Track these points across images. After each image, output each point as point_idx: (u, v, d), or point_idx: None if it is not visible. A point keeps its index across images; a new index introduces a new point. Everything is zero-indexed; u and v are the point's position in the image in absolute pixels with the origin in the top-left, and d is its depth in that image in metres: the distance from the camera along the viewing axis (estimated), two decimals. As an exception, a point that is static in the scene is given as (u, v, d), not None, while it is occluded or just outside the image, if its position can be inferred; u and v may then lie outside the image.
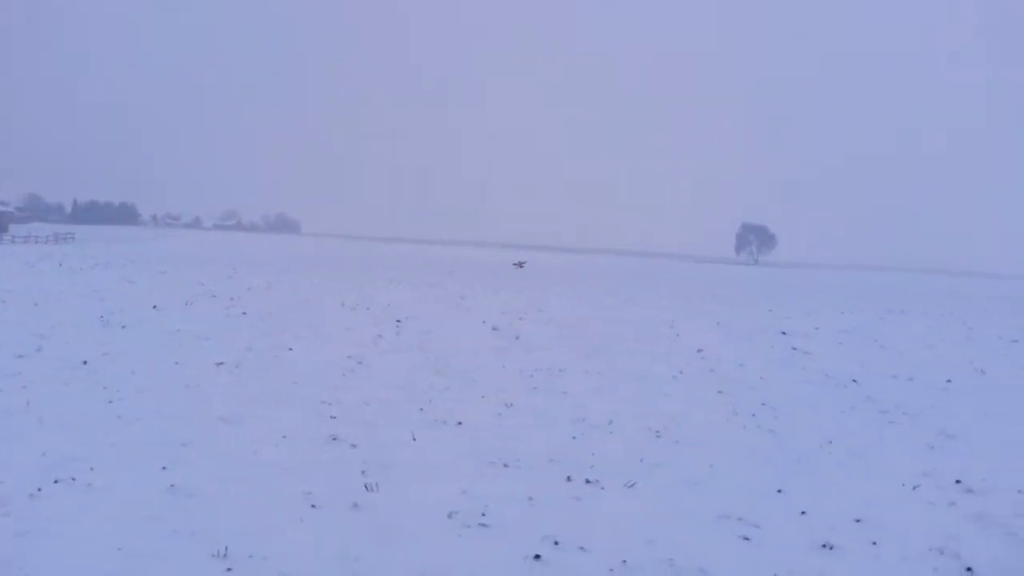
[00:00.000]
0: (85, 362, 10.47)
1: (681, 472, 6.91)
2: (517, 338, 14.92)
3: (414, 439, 7.56)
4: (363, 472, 6.46)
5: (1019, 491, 6.75)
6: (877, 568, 5.08)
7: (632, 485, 6.45)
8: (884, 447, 8.16)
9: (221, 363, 10.84)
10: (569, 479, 6.55)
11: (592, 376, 11.40)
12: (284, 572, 4.63)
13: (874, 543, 5.44)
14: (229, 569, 4.62)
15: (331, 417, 8.25)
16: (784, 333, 17.93)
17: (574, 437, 7.96)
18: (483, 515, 5.61)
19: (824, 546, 5.34)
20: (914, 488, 6.73)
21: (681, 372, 12.06)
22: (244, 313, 16.47)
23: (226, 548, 4.83)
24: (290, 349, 12.32)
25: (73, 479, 5.93)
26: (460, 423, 8.27)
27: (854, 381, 11.97)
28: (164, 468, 6.29)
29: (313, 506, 5.65)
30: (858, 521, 5.85)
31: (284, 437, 7.38)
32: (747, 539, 5.44)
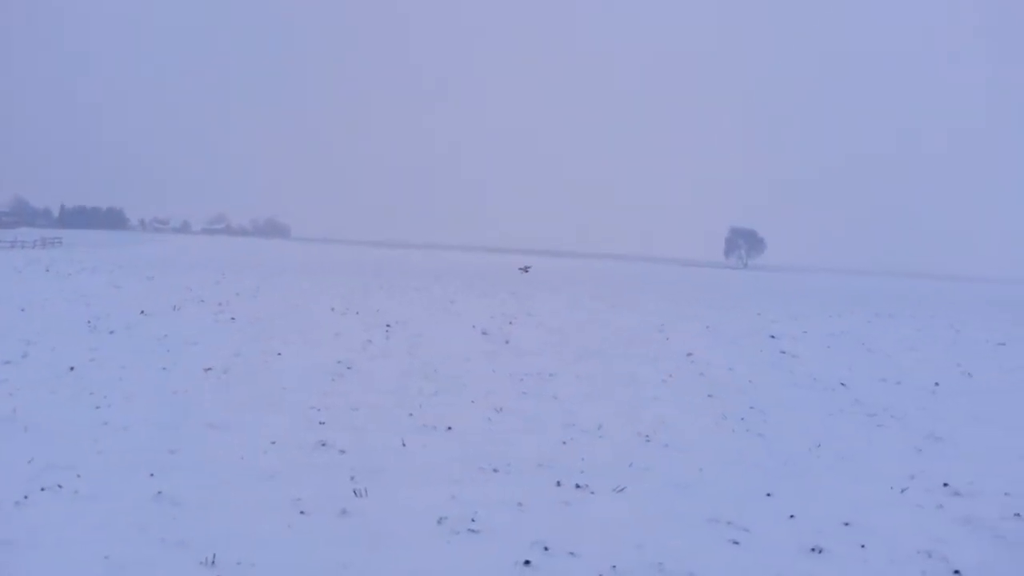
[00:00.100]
0: (72, 368, 10.40)
1: (670, 476, 6.93)
2: (507, 343, 14.92)
3: (404, 444, 7.54)
4: (352, 478, 6.44)
5: (1006, 494, 6.80)
6: (865, 571, 5.10)
7: (621, 489, 6.46)
8: (872, 450, 8.20)
9: (209, 369, 10.79)
10: (559, 484, 6.55)
11: (582, 380, 11.41)
12: (272, 579, 4.61)
13: (862, 546, 5.46)
14: (217, 577, 4.60)
15: (320, 423, 8.23)
16: (773, 337, 18.00)
17: (564, 442, 7.96)
18: (473, 521, 5.60)
19: (813, 549, 5.36)
20: (902, 491, 6.76)
21: (670, 376, 12.09)
22: (233, 318, 16.40)
23: (214, 556, 4.80)
24: (279, 354, 12.27)
25: (60, 486, 5.89)
26: (450, 428, 8.26)
27: (842, 384, 12.02)
28: (152, 475, 6.25)
29: (302, 512, 5.62)
30: (846, 524, 5.87)
31: (273, 443, 7.35)
32: (736, 543, 5.45)
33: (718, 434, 8.63)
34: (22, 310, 16.34)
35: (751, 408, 9.98)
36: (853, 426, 9.32)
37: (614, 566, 4.96)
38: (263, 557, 4.85)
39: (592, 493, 6.37)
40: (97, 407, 8.42)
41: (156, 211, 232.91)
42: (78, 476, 6.14)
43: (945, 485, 6.96)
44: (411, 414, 8.82)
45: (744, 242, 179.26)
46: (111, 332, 13.76)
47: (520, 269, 59.33)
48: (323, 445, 7.38)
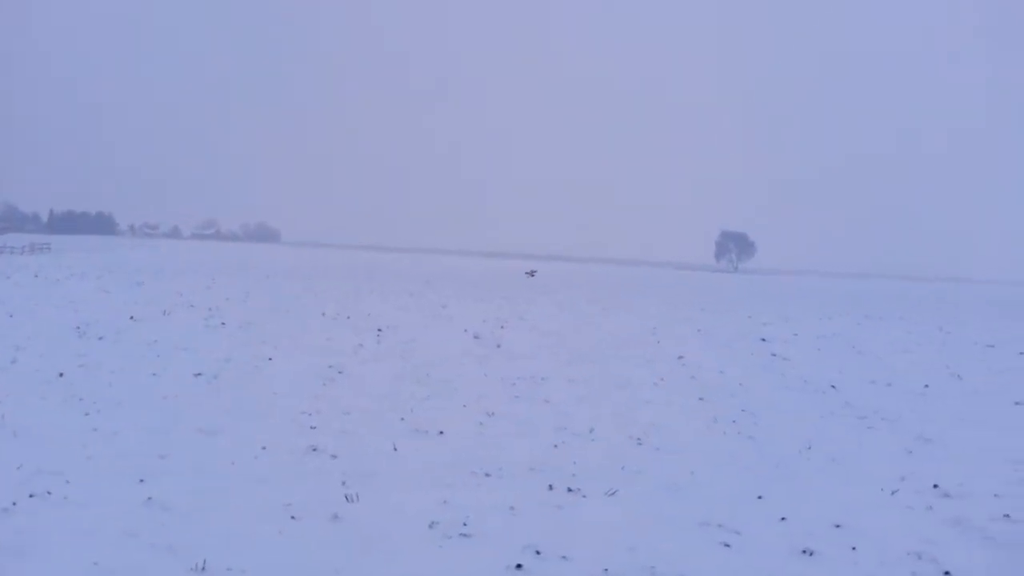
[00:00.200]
0: (61, 374, 10.34)
1: (662, 479, 6.94)
2: (499, 346, 14.91)
3: (395, 449, 7.53)
4: (343, 483, 6.42)
5: (995, 495, 6.83)
6: (856, 573, 5.12)
7: (613, 493, 6.46)
8: (862, 452, 8.23)
9: (199, 374, 10.75)
10: (551, 488, 6.55)
11: (574, 384, 11.42)
12: (263, 585, 4.59)
13: (853, 548, 5.48)
14: (207, 583, 4.58)
15: (311, 428, 8.20)
16: (763, 340, 18.05)
17: (556, 445, 7.96)
18: (465, 525, 5.60)
19: (804, 552, 5.38)
20: (892, 493, 6.79)
21: (662, 379, 12.11)
22: (223, 323, 16.34)
23: (204, 562, 4.78)
24: (269, 359, 12.23)
25: (49, 493, 5.85)
26: (442, 432, 8.25)
27: (832, 387, 12.07)
28: (141, 481, 6.22)
29: (293, 518, 5.61)
30: (837, 526, 5.89)
31: (263, 448, 7.32)
32: (728, 545, 5.46)
33: (710, 437, 8.65)
34: (11, 316, 16.24)
35: (742, 411, 10.00)
36: (844, 428, 9.36)
37: (606, 569, 4.96)
38: (254, 563, 4.83)
39: (584, 496, 6.38)
40: (86, 413, 8.38)
41: (146, 216, 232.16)
42: (67, 482, 6.10)
43: (935, 487, 7.00)
44: (403, 418, 8.81)
45: (734, 246, 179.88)
46: (100, 338, 13.69)
47: (526, 273, 59.37)
48: (314, 450, 7.36)
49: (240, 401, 9.27)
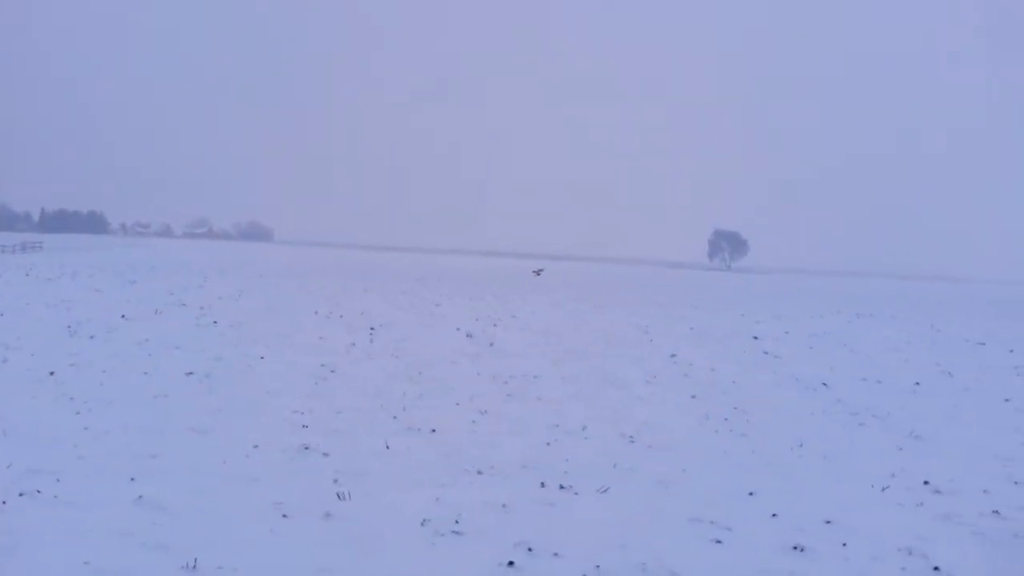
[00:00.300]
0: (52, 373, 10.29)
1: (654, 476, 6.95)
2: (492, 345, 14.92)
3: (387, 447, 7.52)
4: (335, 481, 6.41)
5: (985, 491, 6.87)
6: (847, 569, 5.14)
7: (605, 490, 6.47)
8: (854, 449, 8.26)
9: (191, 373, 10.72)
10: (543, 485, 6.56)
11: (566, 382, 11.43)
12: (255, 583, 4.58)
13: (844, 544, 5.50)
14: (198, 581, 4.57)
15: (303, 426, 8.19)
16: (756, 337, 18.11)
17: (548, 443, 7.97)
18: (457, 523, 5.60)
19: (795, 548, 5.40)
20: (883, 489, 6.82)
21: (655, 377, 12.13)
22: (215, 322, 16.30)
23: (195, 560, 4.77)
24: (261, 358, 12.21)
25: (38, 492, 5.82)
26: (434, 431, 8.25)
27: (824, 384, 12.11)
28: (132, 480, 6.20)
29: (284, 516, 5.60)
30: (828, 523, 5.92)
31: (255, 447, 7.31)
32: (719, 542, 5.48)
33: (702, 434, 8.67)
34: (1, 315, 16.16)
35: (734, 408, 10.03)
36: (835, 425, 9.39)
37: (598, 566, 4.97)
38: (245, 561, 4.82)
39: (576, 494, 6.38)
40: (78, 412, 8.35)
41: (138, 215, 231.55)
42: (58, 481, 6.08)
43: (926, 483, 7.03)
44: (395, 417, 8.81)
45: (727, 244, 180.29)
46: (92, 337, 13.64)
47: (533, 272, 59.39)
48: (306, 448, 7.34)
49: (232, 400, 9.25)
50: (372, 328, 16.60)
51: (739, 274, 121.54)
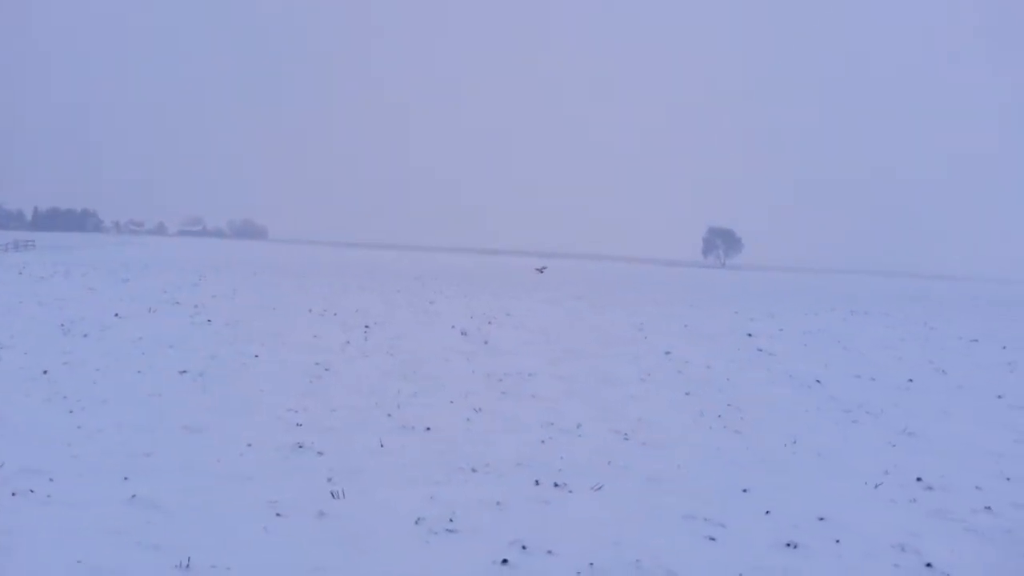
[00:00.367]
0: (45, 372, 10.26)
1: (648, 473, 6.96)
2: (486, 343, 14.91)
3: (382, 445, 7.52)
4: (329, 479, 6.41)
5: (977, 487, 6.90)
6: (840, 565, 5.16)
7: (600, 488, 6.48)
8: (847, 446, 8.29)
9: (185, 371, 10.70)
10: (537, 483, 6.56)
11: (561, 380, 11.43)
12: (248, 582, 4.58)
13: (837, 541, 5.52)
14: (192, 580, 4.56)
15: (297, 425, 8.18)
16: (750, 335, 18.14)
17: (543, 441, 7.97)
18: (451, 521, 5.60)
19: (788, 545, 5.41)
20: (876, 486, 6.85)
21: (649, 374, 12.15)
22: (209, 320, 16.26)
23: (189, 559, 4.76)
24: (256, 356, 12.18)
25: (31, 491, 5.81)
26: (428, 429, 8.25)
27: (818, 381, 12.14)
28: (126, 479, 6.19)
29: (278, 515, 5.59)
30: (821, 519, 5.94)
31: (249, 446, 7.30)
32: (713, 539, 5.49)
33: (696, 431, 8.68)
34: (-6, 314, 16.09)
35: (728, 405, 10.05)
36: (828, 422, 9.42)
37: (591, 564, 4.97)
38: (239, 560, 4.82)
39: (570, 492, 6.39)
40: (71, 411, 8.32)
41: (131, 213, 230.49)
42: (51, 480, 6.06)
43: (918, 480, 7.06)
44: (390, 415, 8.80)
45: (722, 242, 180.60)
46: (85, 335, 13.59)
47: (537, 269, 59.40)
48: (300, 447, 7.34)
49: (226, 398, 9.24)
50: (367, 326, 16.58)
51: (733, 271, 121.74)
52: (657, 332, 17.94)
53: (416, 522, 5.55)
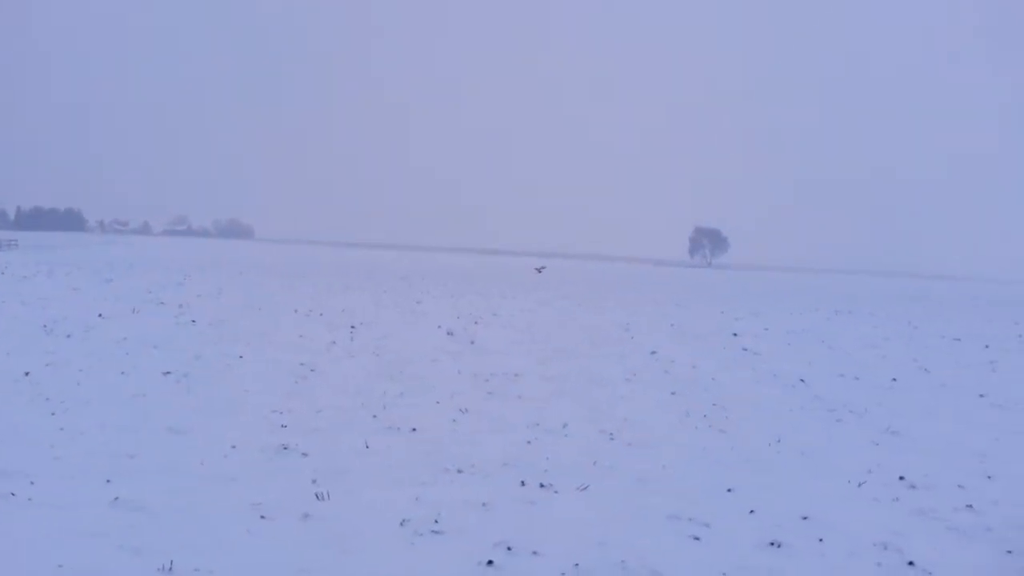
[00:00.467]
0: (27, 373, 10.16)
1: (634, 474, 6.97)
2: (472, 343, 14.91)
3: (367, 446, 7.50)
4: (314, 481, 6.38)
5: (959, 486, 6.96)
6: (823, 564, 5.19)
7: (585, 488, 6.49)
8: (831, 445, 8.34)
9: (169, 372, 10.63)
10: (523, 484, 6.56)
11: (547, 380, 11.44)
12: (232, 585, 4.55)
13: (820, 540, 5.55)
14: (175, 583, 4.53)
15: (282, 426, 8.14)
16: (735, 334, 18.22)
17: (529, 441, 7.98)
18: (436, 522, 5.59)
19: (772, 544, 5.44)
20: (860, 485, 6.89)
21: (635, 374, 12.18)
22: (193, 321, 16.17)
23: (171, 563, 4.73)
24: (240, 357, 12.12)
25: (13, 494, 5.75)
26: (414, 429, 8.23)
27: (802, 381, 12.21)
28: (109, 481, 6.14)
29: (262, 517, 5.56)
30: (805, 518, 5.97)
31: (233, 447, 7.26)
32: (697, 538, 5.51)
33: (681, 431, 8.71)
34: (-25, 314, 15.93)
35: (714, 405, 10.09)
36: (813, 422, 9.48)
37: (576, 564, 4.98)
38: (222, 563, 4.79)
39: (556, 492, 6.40)
40: (53, 413, 8.24)
41: (115, 213, 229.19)
42: (32, 483, 6.00)
43: (901, 479, 7.11)
44: (375, 416, 8.78)
45: (708, 241, 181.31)
46: (68, 336, 13.48)
47: (535, 269, 59.47)
48: (285, 448, 7.30)
49: (210, 399, 9.18)
50: (353, 326, 16.54)
51: (719, 271, 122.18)
52: (643, 332, 18.00)
53: (401, 523, 5.53)
